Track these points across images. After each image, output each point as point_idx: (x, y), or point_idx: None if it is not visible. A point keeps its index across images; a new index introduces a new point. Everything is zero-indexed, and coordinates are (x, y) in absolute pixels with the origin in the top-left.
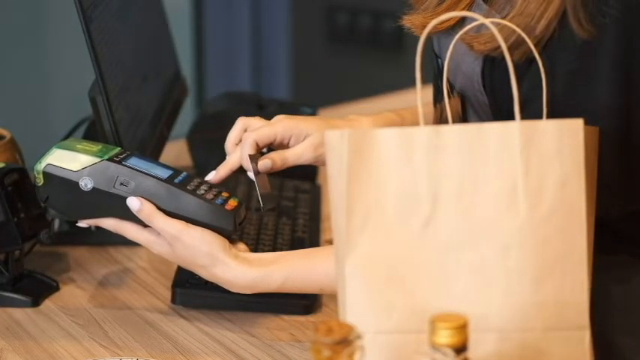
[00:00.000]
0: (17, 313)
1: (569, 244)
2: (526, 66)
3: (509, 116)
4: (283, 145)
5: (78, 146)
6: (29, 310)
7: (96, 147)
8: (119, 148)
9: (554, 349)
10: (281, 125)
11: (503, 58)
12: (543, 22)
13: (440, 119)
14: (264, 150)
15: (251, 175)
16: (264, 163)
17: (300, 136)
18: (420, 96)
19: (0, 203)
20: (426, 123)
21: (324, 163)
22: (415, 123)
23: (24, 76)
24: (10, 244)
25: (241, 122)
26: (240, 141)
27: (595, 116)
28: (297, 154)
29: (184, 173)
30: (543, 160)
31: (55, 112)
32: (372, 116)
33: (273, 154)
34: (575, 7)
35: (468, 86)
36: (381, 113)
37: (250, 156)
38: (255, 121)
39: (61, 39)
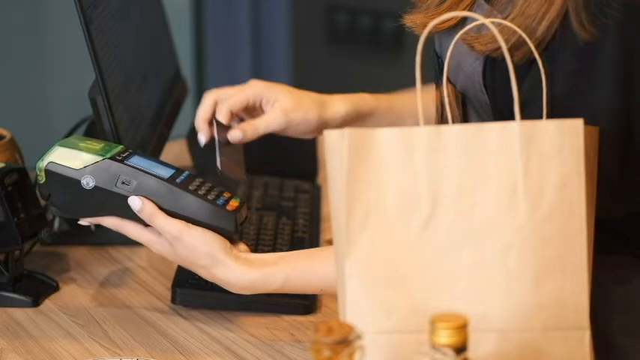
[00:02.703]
0: (17, 313)
1: (569, 244)
2: (527, 67)
3: (510, 116)
4: (256, 110)
5: (80, 144)
6: (29, 310)
7: (98, 145)
8: (121, 146)
9: (554, 349)
10: (251, 88)
11: (504, 59)
12: (545, 24)
13: (441, 119)
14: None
15: (217, 150)
16: (234, 133)
17: (271, 99)
18: (420, 96)
19: (0, 203)
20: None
21: (296, 131)
22: (392, 109)
23: (24, 76)
24: (10, 244)
25: (211, 96)
26: (212, 117)
27: (596, 117)
28: (267, 121)
29: (186, 172)
30: (543, 160)
31: (55, 112)
32: (346, 95)
33: (243, 125)
34: (577, 9)
35: (468, 86)
36: (357, 94)
37: (218, 125)
38: (225, 91)
39: (61, 39)
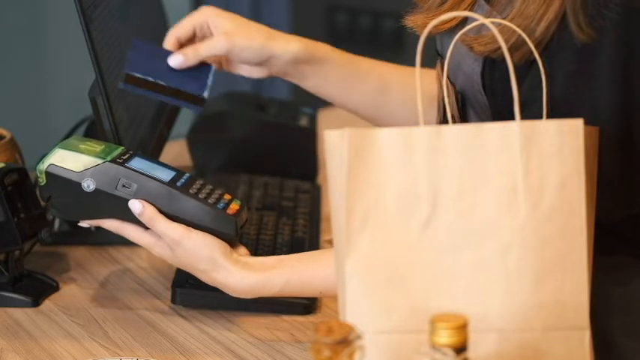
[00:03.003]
0: (17, 313)
1: (569, 244)
2: (526, 68)
3: (509, 117)
4: (207, 37)
5: (81, 146)
6: (29, 310)
7: (99, 147)
8: (122, 148)
9: (554, 349)
10: (200, 14)
11: (503, 60)
12: (543, 25)
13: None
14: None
15: None
16: (175, 57)
17: (218, 25)
18: (420, 96)
19: (0, 203)
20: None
21: (241, 58)
22: (347, 64)
23: (24, 76)
24: (10, 244)
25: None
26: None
27: (595, 117)
28: (209, 44)
29: (187, 174)
30: (543, 160)
31: (55, 112)
32: (302, 38)
33: (185, 49)
34: (575, 10)
35: (468, 86)
36: (316, 41)
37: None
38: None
39: (61, 39)
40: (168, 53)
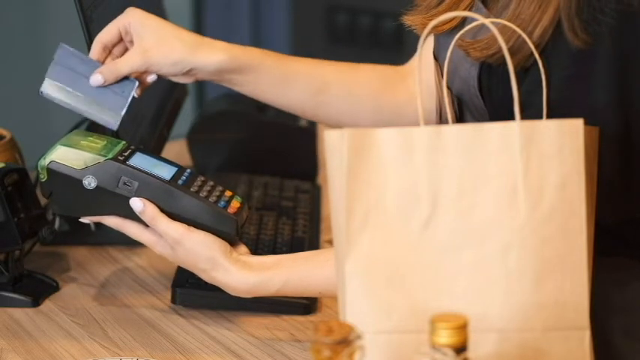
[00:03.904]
0: (17, 313)
1: (569, 244)
2: (522, 73)
3: (507, 120)
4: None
5: (82, 142)
6: (29, 310)
7: (101, 143)
8: (124, 143)
9: (554, 349)
10: (125, 18)
11: (499, 64)
12: (538, 31)
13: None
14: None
15: None
16: (95, 77)
17: (137, 35)
18: (420, 95)
19: (0, 203)
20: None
21: (162, 72)
22: (278, 67)
23: (24, 76)
24: (10, 244)
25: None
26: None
27: (592, 121)
28: (126, 61)
29: (188, 171)
30: (543, 160)
31: (55, 112)
32: (230, 45)
33: (103, 68)
34: (570, 16)
35: (464, 90)
36: (245, 46)
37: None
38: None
39: (61, 39)
40: (94, 64)
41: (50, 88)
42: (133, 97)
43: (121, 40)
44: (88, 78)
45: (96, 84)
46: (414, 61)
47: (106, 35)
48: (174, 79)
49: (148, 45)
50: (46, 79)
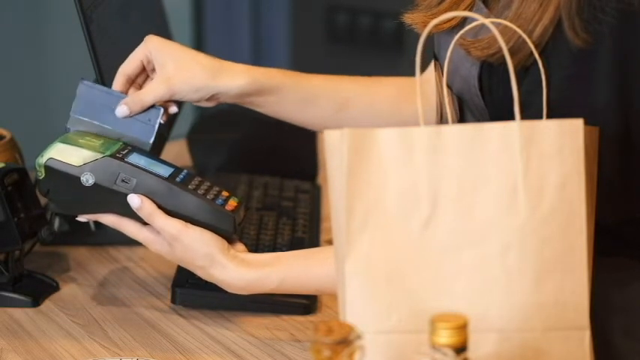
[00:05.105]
0: (17, 313)
1: (569, 244)
2: (522, 73)
3: (507, 120)
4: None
5: (80, 140)
6: (29, 310)
7: (98, 141)
8: (121, 143)
9: (554, 349)
10: (144, 49)
11: (500, 64)
12: (539, 30)
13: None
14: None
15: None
16: (120, 109)
17: (158, 63)
18: (420, 95)
19: (0, 203)
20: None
21: (186, 98)
22: (299, 87)
23: (24, 76)
24: (10, 244)
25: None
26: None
27: (592, 121)
28: (150, 91)
29: (185, 171)
30: (543, 160)
31: (55, 112)
32: (250, 67)
33: (128, 99)
34: (570, 15)
35: (465, 90)
36: (264, 68)
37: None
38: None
39: (61, 39)
40: (117, 95)
41: (76, 124)
42: (160, 123)
43: (143, 69)
44: (113, 110)
45: (122, 115)
46: (428, 72)
47: (128, 67)
48: (198, 104)
49: (170, 73)
50: (71, 115)
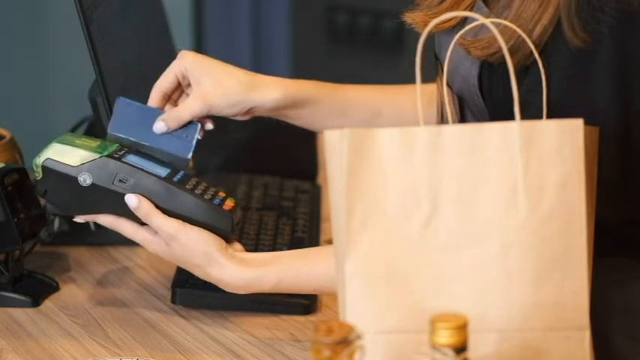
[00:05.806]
0: (17, 313)
1: (569, 245)
2: (522, 72)
3: (507, 119)
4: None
5: (77, 141)
6: (29, 310)
7: (95, 143)
8: (117, 145)
9: (554, 349)
10: (179, 65)
11: (500, 63)
12: (538, 30)
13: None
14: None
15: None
16: (158, 125)
17: (194, 79)
18: (420, 96)
19: (0, 203)
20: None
21: (222, 113)
22: (333, 98)
23: (24, 76)
24: (10, 244)
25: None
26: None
27: (592, 121)
28: (188, 108)
29: (182, 172)
30: (543, 160)
31: (55, 112)
32: (283, 80)
33: (165, 115)
34: (570, 15)
35: (464, 89)
36: (297, 80)
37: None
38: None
39: (61, 39)
40: (154, 111)
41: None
42: (198, 139)
43: (179, 85)
44: (150, 126)
45: (159, 131)
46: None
47: (164, 83)
48: (234, 118)
49: (206, 89)
50: (109, 132)
